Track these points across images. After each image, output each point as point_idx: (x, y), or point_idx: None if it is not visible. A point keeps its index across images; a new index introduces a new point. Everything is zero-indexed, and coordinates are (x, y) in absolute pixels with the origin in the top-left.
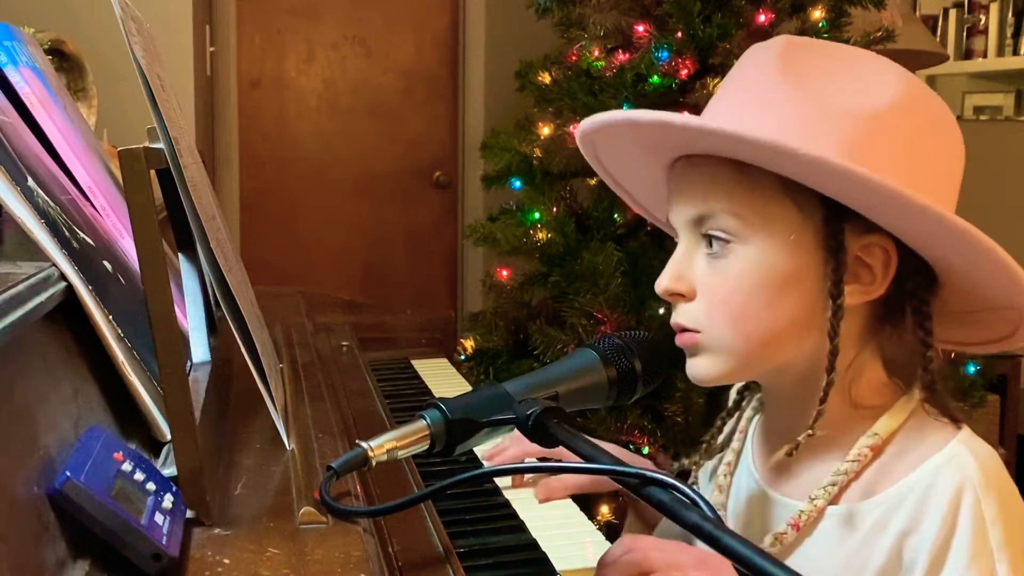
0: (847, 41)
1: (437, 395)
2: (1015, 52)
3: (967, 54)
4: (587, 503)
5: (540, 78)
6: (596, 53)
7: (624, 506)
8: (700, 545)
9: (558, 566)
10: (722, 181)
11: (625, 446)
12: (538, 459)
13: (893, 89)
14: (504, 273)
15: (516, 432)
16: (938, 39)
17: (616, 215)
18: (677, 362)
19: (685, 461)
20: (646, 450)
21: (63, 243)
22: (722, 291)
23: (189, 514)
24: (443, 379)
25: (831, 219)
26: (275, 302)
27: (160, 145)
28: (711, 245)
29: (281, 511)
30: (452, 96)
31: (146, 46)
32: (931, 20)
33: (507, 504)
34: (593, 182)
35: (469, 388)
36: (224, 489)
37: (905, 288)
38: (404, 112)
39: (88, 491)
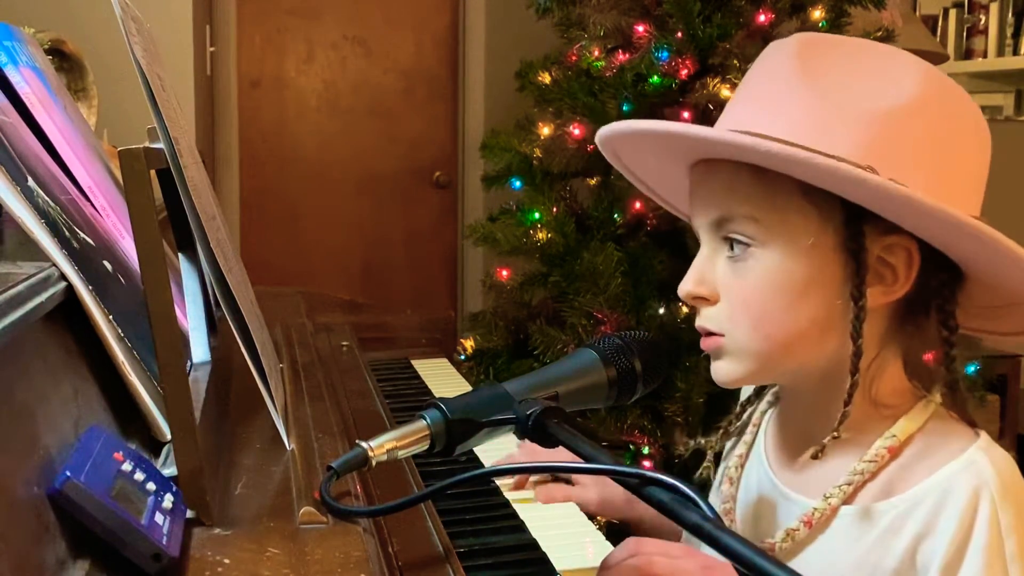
0: None
1: (437, 395)
2: (1015, 52)
3: (967, 54)
4: None
5: (540, 78)
6: (596, 53)
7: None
8: (706, 549)
9: (558, 566)
10: (741, 185)
11: (625, 446)
12: None
13: (913, 85)
14: (504, 273)
15: (527, 443)
16: (938, 39)
17: (616, 215)
18: (677, 362)
19: (702, 441)
20: (646, 450)
21: (63, 243)
22: (743, 294)
23: (189, 514)
24: (443, 379)
25: (851, 221)
26: (275, 302)
27: (160, 145)
28: (732, 248)
29: (281, 511)
30: (452, 96)
31: (146, 46)
32: (931, 20)
33: (507, 504)
34: (593, 182)
35: (469, 388)
36: (224, 489)
37: (929, 286)
38: (404, 112)
39: (88, 491)
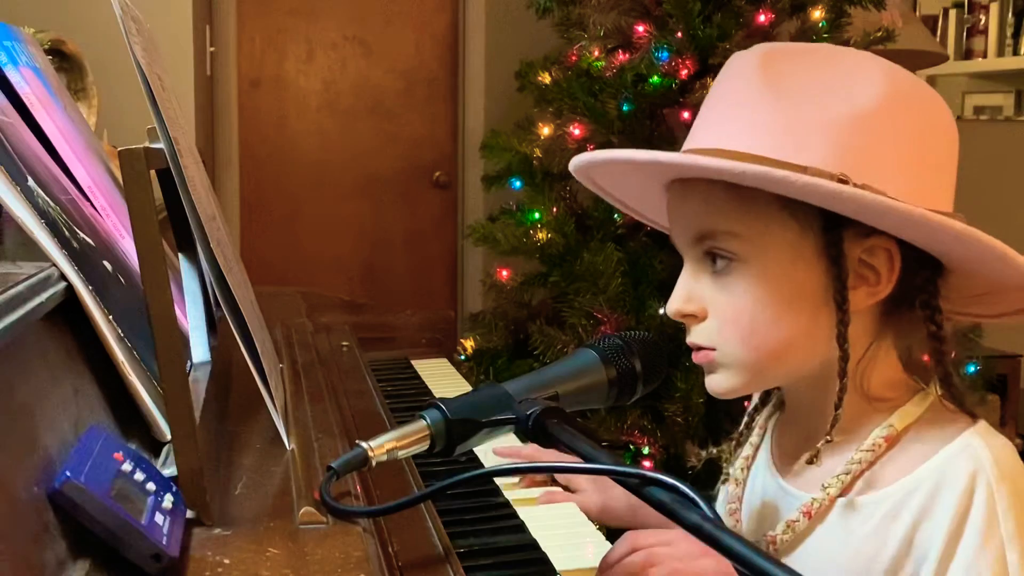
0: (847, 41)
1: (437, 395)
2: (1015, 52)
3: (967, 54)
4: None
5: (540, 78)
6: (596, 53)
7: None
8: None
9: (558, 566)
10: (717, 201)
11: (625, 446)
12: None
13: (878, 87)
14: (504, 273)
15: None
16: (938, 39)
17: (616, 215)
18: (677, 362)
19: (714, 451)
20: (646, 450)
21: (63, 243)
22: (730, 309)
23: (189, 514)
24: (443, 379)
25: (829, 228)
26: (275, 302)
27: (160, 145)
28: (715, 263)
29: (281, 511)
30: (452, 96)
31: (146, 46)
32: (931, 20)
33: (507, 504)
34: None
35: (469, 388)
36: (224, 489)
37: (913, 284)
38: (404, 112)
39: (88, 491)
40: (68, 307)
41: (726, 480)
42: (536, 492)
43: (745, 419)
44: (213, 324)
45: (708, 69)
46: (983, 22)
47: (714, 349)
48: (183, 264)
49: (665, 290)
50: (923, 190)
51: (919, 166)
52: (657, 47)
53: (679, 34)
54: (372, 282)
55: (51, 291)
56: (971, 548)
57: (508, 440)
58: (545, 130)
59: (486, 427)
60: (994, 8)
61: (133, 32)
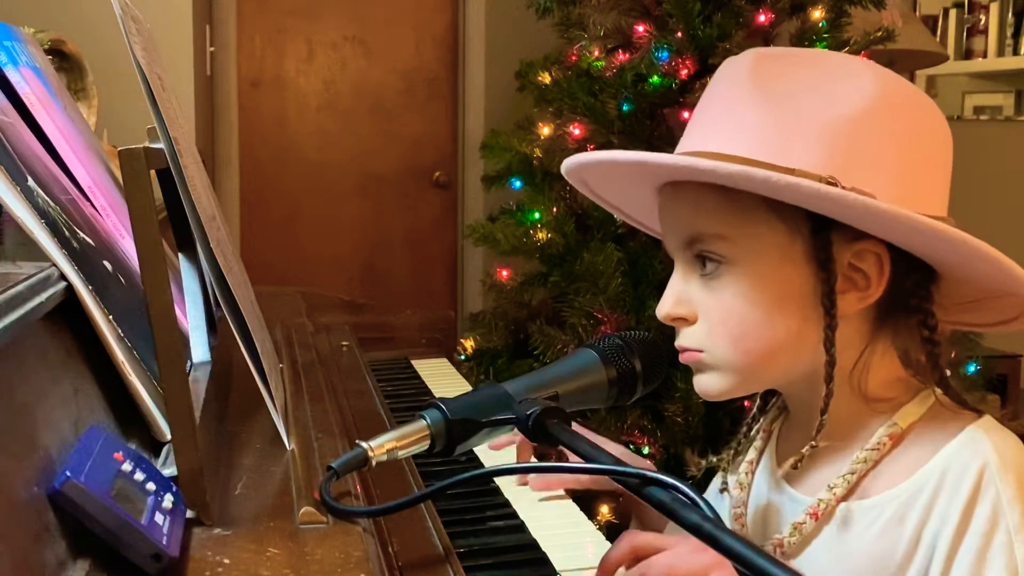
0: (847, 41)
1: (437, 395)
2: (1015, 52)
3: (967, 54)
4: (587, 503)
5: (540, 78)
6: (596, 53)
7: (624, 508)
8: None
9: (558, 566)
10: (707, 204)
11: (625, 446)
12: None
13: (869, 91)
14: (504, 273)
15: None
16: (938, 39)
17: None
18: (677, 362)
19: (714, 459)
20: (646, 450)
21: (63, 243)
22: (719, 311)
23: (189, 514)
24: (443, 379)
25: (818, 231)
26: (275, 302)
27: (160, 145)
28: (704, 266)
29: (281, 511)
30: (452, 96)
31: (146, 46)
32: (931, 20)
33: (507, 504)
34: None
35: (469, 388)
36: (224, 489)
37: (904, 288)
38: (404, 112)
39: (88, 491)
40: (68, 307)
41: (724, 490)
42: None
43: (743, 428)
44: (213, 324)
45: (708, 69)
46: (983, 22)
47: (702, 351)
48: (183, 264)
49: (665, 290)
50: (913, 194)
51: (909, 170)
52: (657, 47)
53: (679, 34)
54: (372, 282)
55: (51, 291)
56: (977, 541)
57: None
58: (545, 130)
59: (486, 427)
60: (994, 8)
61: (133, 32)
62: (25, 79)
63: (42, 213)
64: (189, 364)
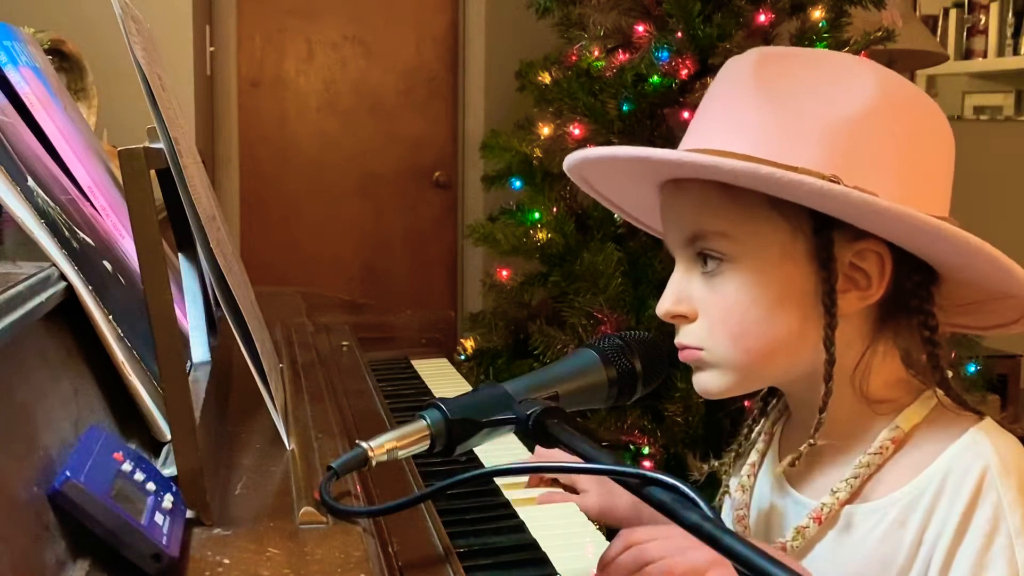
0: (847, 41)
1: (437, 395)
2: (1015, 52)
3: (967, 54)
4: None
5: (540, 78)
6: (596, 53)
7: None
8: None
9: (558, 566)
10: (709, 202)
11: (625, 446)
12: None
13: (871, 91)
14: (504, 273)
15: (539, 450)
16: (938, 39)
17: (616, 215)
18: (677, 362)
19: (716, 463)
20: (646, 450)
21: (63, 243)
22: (720, 309)
23: (189, 514)
24: (443, 379)
25: (820, 230)
26: (275, 302)
27: (160, 145)
28: (706, 264)
29: (281, 511)
30: (452, 96)
31: (146, 46)
32: (931, 20)
33: (507, 504)
34: None
35: (469, 388)
36: (224, 489)
37: (905, 288)
38: (404, 112)
39: (88, 491)
40: (68, 307)
41: (726, 492)
42: (537, 492)
43: (744, 429)
44: (213, 324)
45: (708, 69)
46: (983, 22)
47: (701, 349)
48: (183, 264)
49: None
50: (915, 194)
51: (911, 170)
52: (657, 47)
53: (679, 34)
54: (372, 282)
55: (51, 291)
56: (978, 543)
57: (508, 440)
58: (545, 130)
59: (486, 427)
60: (994, 8)
61: (133, 32)
62: (25, 79)
63: (42, 213)
64: (189, 364)
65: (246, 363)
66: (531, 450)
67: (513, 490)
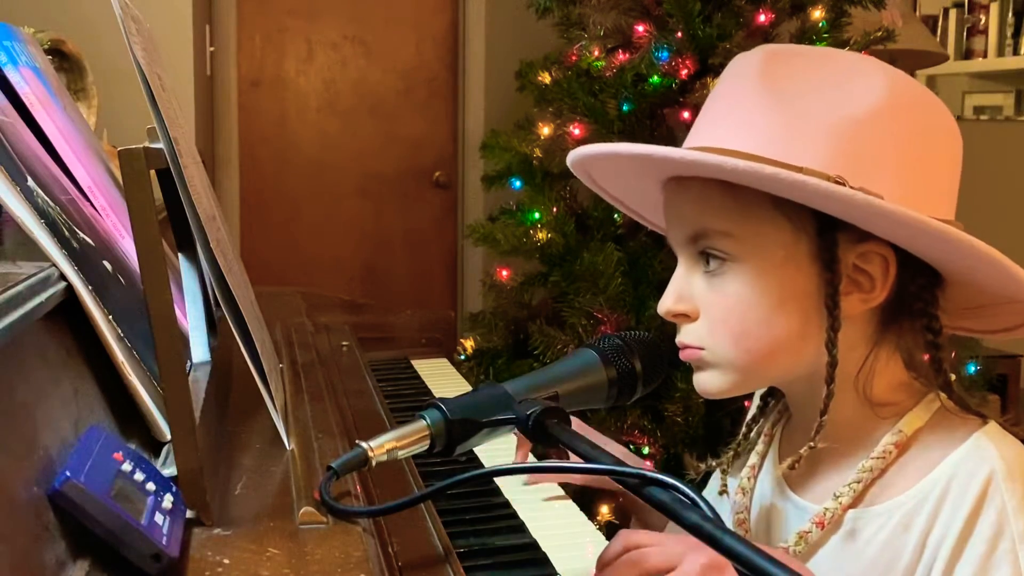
0: (847, 41)
1: (437, 395)
2: (1015, 52)
3: (967, 54)
4: (587, 503)
5: (540, 78)
6: (596, 53)
7: (624, 508)
8: None
9: (558, 566)
10: (712, 201)
11: (625, 446)
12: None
13: (879, 91)
14: (504, 273)
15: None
16: (938, 39)
17: (616, 215)
18: (677, 362)
19: (713, 463)
20: (646, 450)
21: (63, 243)
22: (721, 309)
23: (189, 514)
24: (443, 379)
25: (824, 231)
26: (275, 302)
27: (160, 145)
28: (708, 263)
29: (281, 511)
30: (452, 96)
31: (146, 46)
32: (931, 20)
33: (507, 504)
34: None
35: (469, 388)
36: (224, 489)
37: (908, 291)
38: (404, 112)
39: (88, 491)
40: (68, 307)
41: (723, 492)
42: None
43: (743, 429)
44: (213, 324)
45: (708, 69)
46: (983, 22)
47: (702, 348)
48: (183, 264)
49: (665, 290)
50: (921, 196)
51: (917, 172)
52: (657, 47)
53: (679, 34)
54: (372, 282)
55: (51, 291)
56: (981, 548)
57: (508, 440)
58: (545, 130)
59: (486, 427)
60: (994, 8)
61: (133, 32)
62: (25, 79)
63: (42, 213)
64: (189, 364)
65: (246, 363)
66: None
67: (513, 490)
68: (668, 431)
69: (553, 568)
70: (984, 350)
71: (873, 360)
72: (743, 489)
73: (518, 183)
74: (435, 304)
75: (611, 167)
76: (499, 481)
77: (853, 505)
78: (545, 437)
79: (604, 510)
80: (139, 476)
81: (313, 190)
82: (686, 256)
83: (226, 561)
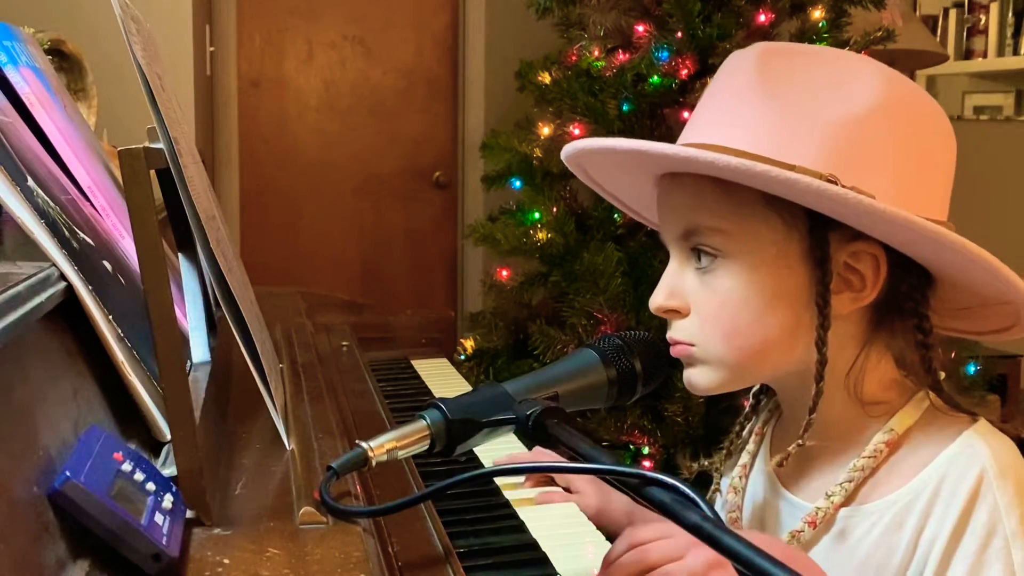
0: (847, 41)
1: (437, 395)
2: (1015, 52)
3: (967, 54)
4: None
5: (540, 78)
6: (596, 53)
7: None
8: None
9: (558, 566)
10: (706, 197)
11: (625, 446)
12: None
13: (874, 91)
14: (504, 273)
15: (537, 448)
16: (938, 39)
17: (616, 215)
18: (677, 362)
19: (706, 463)
20: (646, 450)
21: (63, 243)
22: (713, 306)
23: (189, 514)
24: (443, 379)
25: (816, 229)
26: (275, 302)
27: (160, 145)
28: (700, 259)
29: (281, 511)
30: (452, 96)
31: (146, 46)
32: (931, 20)
33: (507, 504)
34: None
35: (469, 388)
36: (224, 489)
37: (899, 291)
38: (404, 112)
39: (88, 491)
40: (68, 307)
41: (715, 491)
42: (535, 492)
43: (736, 427)
44: (213, 324)
45: (708, 69)
46: (983, 22)
47: (693, 345)
48: (183, 264)
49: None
50: (913, 196)
51: (911, 172)
52: (657, 47)
53: (679, 34)
54: (372, 282)
55: (51, 291)
56: (974, 545)
57: (508, 440)
58: (545, 130)
59: (486, 427)
60: (994, 8)
61: (133, 32)
62: (25, 79)
63: (42, 213)
64: (189, 364)
65: (246, 363)
66: (531, 450)
67: (513, 490)
68: (668, 431)
69: (553, 568)
70: (984, 350)
71: (864, 359)
72: (735, 488)
73: (518, 183)
74: (435, 304)
75: (606, 162)
76: (499, 481)
77: (845, 504)
78: (545, 437)
79: None
80: (139, 476)
81: (313, 190)
82: (678, 252)
83: (226, 561)
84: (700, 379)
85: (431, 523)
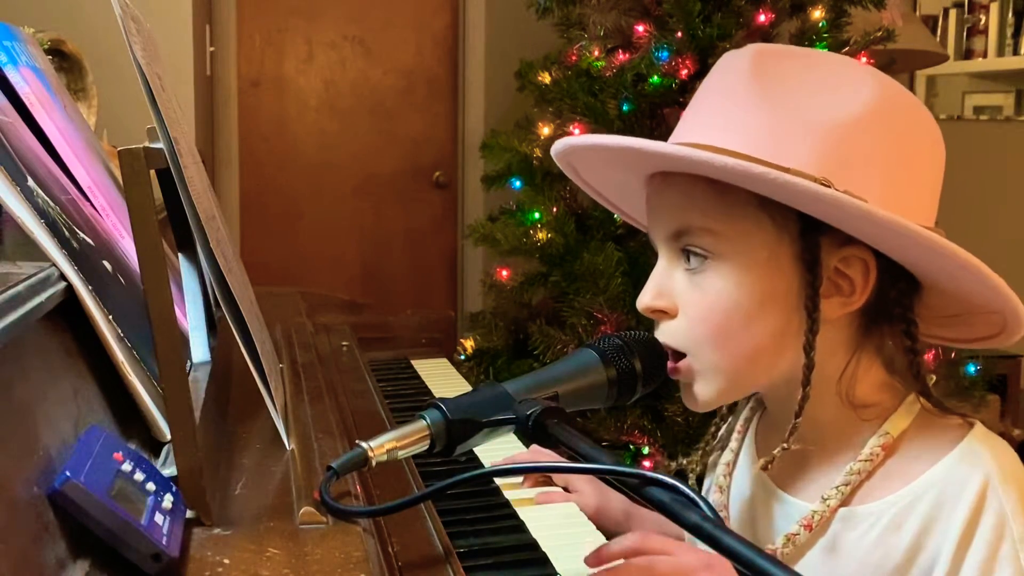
0: (847, 41)
1: (437, 395)
2: (1015, 52)
3: (967, 54)
4: None
5: (540, 78)
6: (596, 53)
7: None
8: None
9: (558, 566)
10: (697, 198)
11: (625, 446)
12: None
13: (867, 96)
14: (504, 273)
15: (534, 447)
16: (938, 39)
17: (616, 215)
18: None
19: (683, 461)
20: (646, 450)
21: (63, 243)
22: (702, 307)
23: (189, 514)
24: (443, 379)
25: (807, 232)
26: (275, 302)
27: (160, 145)
28: (689, 260)
29: (281, 511)
30: (452, 96)
31: (146, 46)
32: (931, 20)
33: (507, 504)
34: None
35: (469, 388)
36: (224, 489)
37: (888, 296)
38: (404, 112)
39: (88, 491)
40: (68, 307)
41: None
42: (529, 492)
43: (712, 429)
44: (213, 324)
45: (708, 69)
46: (983, 22)
47: (685, 355)
48: (183, 264)
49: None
50: (904, 201)
51: (902, 177)
52: (657, 47)
53: (679, 34)
54: (372, 282)
55: (51, 291)
56: (982, 552)
57: (508, 440)
58: (545, 130)
59: (486, 427)
60: (994, 8)
61: (133, 32)
62: (25, 79)
63: (42, 213)
64: (189, 364)
65: (246, 363)
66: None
67: (513, 490)
68: (668, 431)
69: (553, 568)
70: (984, 350)
71: (855, 365)
72: (720, 487)
73: (518, 183)
74: (435, 304)
75: (595, 160)
76: (499, 481)
77: (841, 505)
78: (545, 437)
79: None
80: (139, 476)
81: (313, 190)
82: (667, 252)
83: (226, 561)
84: (699, 392)
85: (431, 523)
